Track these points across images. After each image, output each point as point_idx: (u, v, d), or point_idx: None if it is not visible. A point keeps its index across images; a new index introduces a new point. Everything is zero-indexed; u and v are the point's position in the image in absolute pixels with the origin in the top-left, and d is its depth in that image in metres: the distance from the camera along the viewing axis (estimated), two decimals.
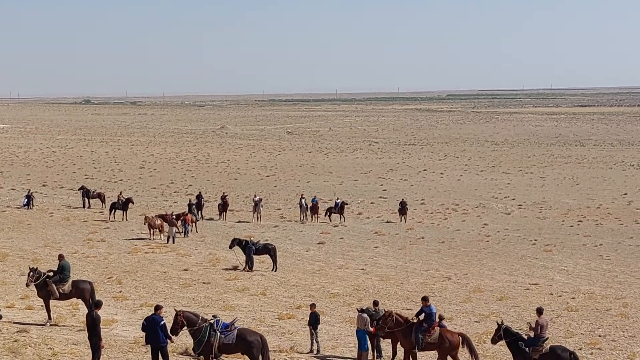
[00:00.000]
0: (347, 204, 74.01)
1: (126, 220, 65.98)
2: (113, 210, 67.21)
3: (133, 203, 70.24)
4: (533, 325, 27.76)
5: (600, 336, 35.27)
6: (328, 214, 71.70)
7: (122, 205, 67.66)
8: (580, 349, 32.81)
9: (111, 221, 65.63)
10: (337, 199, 75.87)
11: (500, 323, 28.13)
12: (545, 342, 27.37)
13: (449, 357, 28.36)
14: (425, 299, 29.24)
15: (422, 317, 28.58)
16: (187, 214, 62.16)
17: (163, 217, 59.89)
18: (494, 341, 28.38)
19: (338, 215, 71.58)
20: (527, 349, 27.16)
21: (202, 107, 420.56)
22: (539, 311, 28.18)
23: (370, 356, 29.29)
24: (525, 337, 27.55)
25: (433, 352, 28.92)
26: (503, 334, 27.72)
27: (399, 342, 29.08)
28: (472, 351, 28.30)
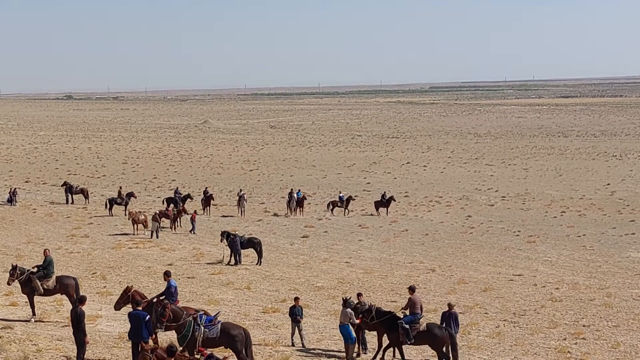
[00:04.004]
0: (353, 199, 74.26)
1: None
2: (111, 205, 67.29)
3: (135, 197, 70.83)
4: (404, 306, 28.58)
5: (584, 326, 35.39)
6: (331, 207, 71.96)
7: (124, 199, 68.11)
8: (565, 339, 32.96)
9: (109, 216, 65.91)
10: (340, 192, 76.37)
11: (371, 305, 28.79)
12: (422, 320, 28.09)
13: None
14: (166, 274, 28.80)
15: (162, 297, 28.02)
16: (195, 211, 62.81)
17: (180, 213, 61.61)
18: (367, 323, 28.69)
19: (343, 209, 72.03)
20: (407, 326, 27.66)
21: (184, 101, 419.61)
22: (412, 289, 28.95)
23: (356, 349, 29.29)
24: (401, 315, 28.20)
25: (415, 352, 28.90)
26: (375, 315, 28.13)
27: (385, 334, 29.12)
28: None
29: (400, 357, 28.64)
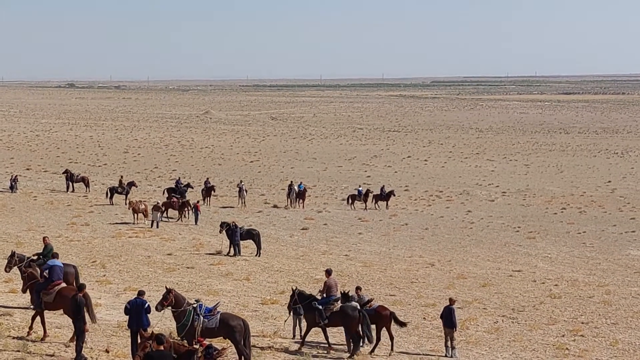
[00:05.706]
0: (371, 192, 74.23)
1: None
2: (112, 194, 67.33)
3: (136, 186, 70.90)
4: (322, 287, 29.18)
5: (583, 323, 35.42)
6: (351, 201, 72.46)
7: (125, 189, 68.15)
8: (563, 335, 32.98)
9: (110, 205, 65.99)
10: (360, 186, 76.50)
11: (294, 289, 29.24)
12: (337, 302, 28.58)
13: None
14: (53, 255, 28.57)
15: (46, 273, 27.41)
16: (198, 201, 62.90)
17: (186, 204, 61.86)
18: (291, 307, 29.07)
19: (363, 202, 72.29)
20: (320, 307, 28.23)
21: (186, 92, 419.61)
22: (328, 272, 29.61)
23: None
24: (319, 298, 28.70)
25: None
26: (298, 298, 28.66)
27: (384, 327, 29.07)
28: (89, 311, 26.02)
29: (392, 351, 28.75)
